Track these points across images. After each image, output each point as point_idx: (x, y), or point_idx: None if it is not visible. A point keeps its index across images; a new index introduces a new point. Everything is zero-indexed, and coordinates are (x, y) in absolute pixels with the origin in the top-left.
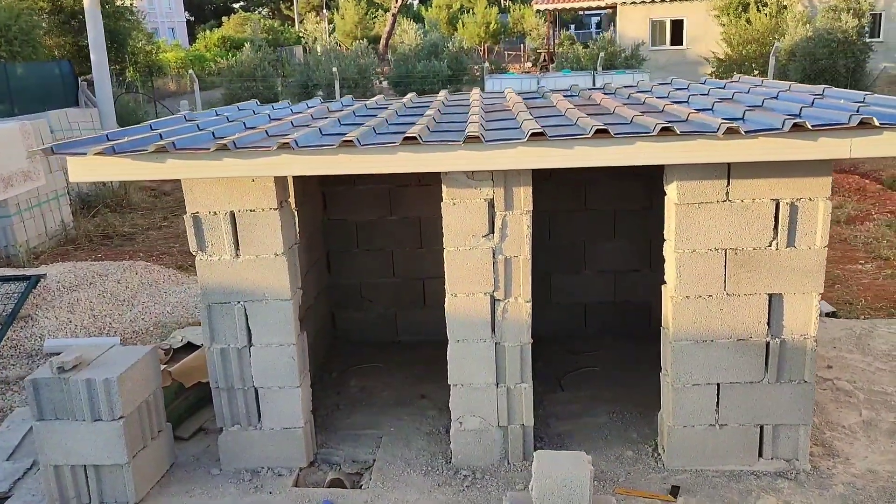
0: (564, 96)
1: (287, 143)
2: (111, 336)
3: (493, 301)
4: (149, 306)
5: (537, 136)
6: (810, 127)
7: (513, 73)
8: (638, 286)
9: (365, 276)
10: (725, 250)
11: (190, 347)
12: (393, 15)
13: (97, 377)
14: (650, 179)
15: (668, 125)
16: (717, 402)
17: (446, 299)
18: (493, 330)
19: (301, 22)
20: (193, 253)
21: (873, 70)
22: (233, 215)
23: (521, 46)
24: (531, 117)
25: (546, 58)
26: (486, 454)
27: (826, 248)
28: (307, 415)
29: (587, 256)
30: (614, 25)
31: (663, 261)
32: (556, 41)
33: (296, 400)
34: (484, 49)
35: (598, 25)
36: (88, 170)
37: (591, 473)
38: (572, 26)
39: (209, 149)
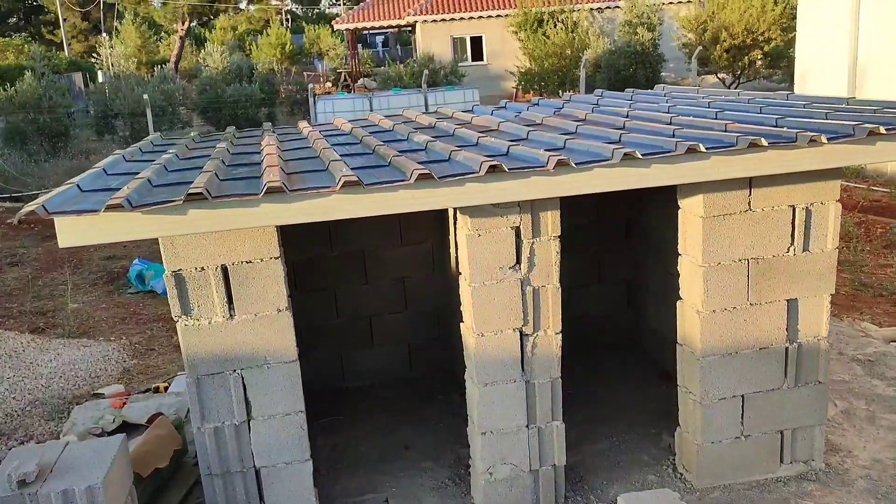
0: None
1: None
2: None
3: (522, 336)
4: (17, 382)
5: (563, 163)
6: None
7: (342, 93)
8: (588, 300)
9: (305, 318)
10: (748, 260)
11: (125, 427)
12: (181, 38)
13: (75, 486)
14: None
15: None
16: (742, 414)
17: (471, 340)
18: (523, 368)
19: (69, 46)
20: (176, 318)
21: (665, 79)
22: (224, 269)
23: (319, 67)
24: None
25: (347, 77)
26: (518, 502)
27: (836, 250)
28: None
29: None
30: (414, 43)
31: (612, 274)
32: (358, 60)
33: (306, 476)
34: (280, 71)
35: (384, 44)
36: (85, 232)
37: None
38: (359, 45)
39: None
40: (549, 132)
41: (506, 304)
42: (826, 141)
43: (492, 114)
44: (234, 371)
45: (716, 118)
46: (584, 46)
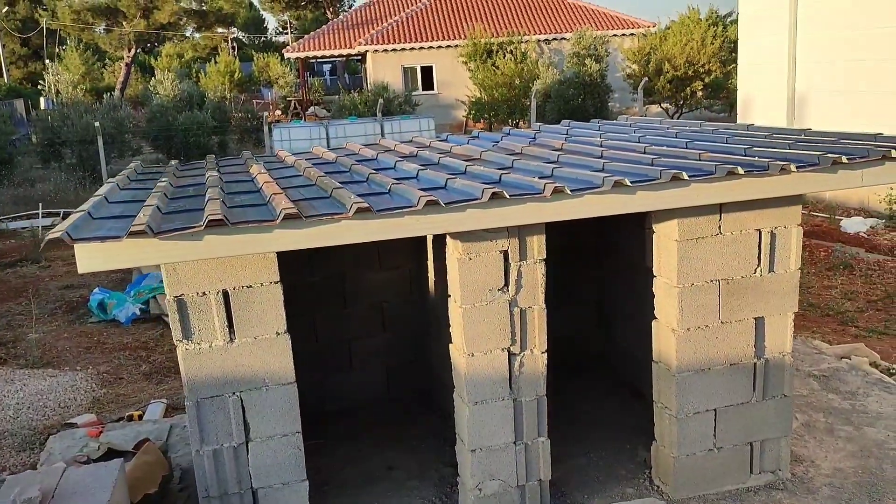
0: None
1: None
2: None
3: (510, 356)
4: None
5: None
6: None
7: (298, 121)
8: (559, 322)
9: None
10: (719, 281)
11: (111, 454)
12: (127, 65)
13: None
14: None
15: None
16: (715, 427)
17: (461, 360)
18: (511, 386)
19: (8, 72)
20: (177, 342)
21: (612, 108)
22: (226, 294)
23: (267, 95)
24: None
25: (297, 106)
26: None
27: (798, 271)
28: None
29: None
30: (365, 72)
31: (582, 296)
32: (308, 88)
33: (302, 496)
34: (230, 99)
35: (332, 72)
36: (105, 257)
37: None
38: (307, 73)
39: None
40: (532, 161)
41: (495, 324)
42: (795, 169)
43: (468, 143)
44: (234, 393)
45: (686, 147)
46: (533, 77)
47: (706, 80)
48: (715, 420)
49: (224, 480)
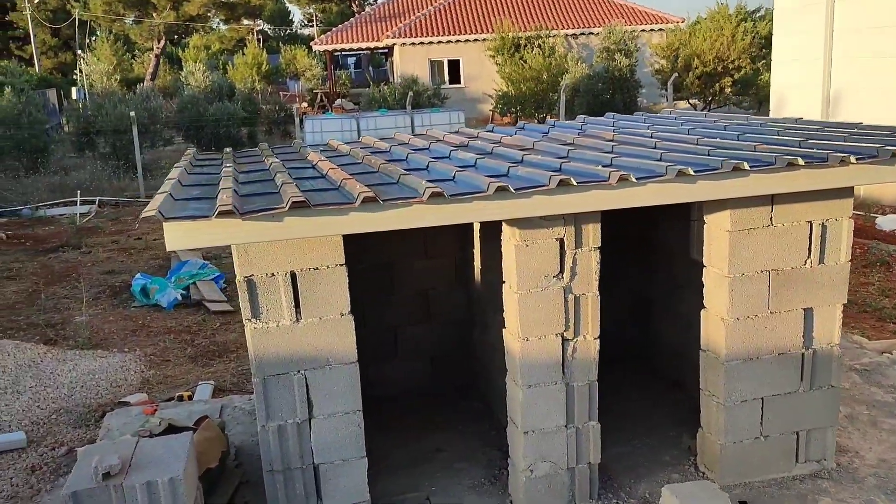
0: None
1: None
2: (11, 432)
3: (564, 341)
4: (39, 391)
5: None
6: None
7: (330, 113)
8: None
9: None
10: (769, 271)
11: (172, 430)
12: (156, 56)
13: (158, 478)
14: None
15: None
16: (762, 416)
17: (516, 345)
18: (564, 371)
19: (39, 62)
20: (245, 321)
21: (640, 104)
22: (293, 275)
23: (295, 87)
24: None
25: (323, 98)
26: (556, 499)
27: (849, 263)
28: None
29: None
30: (391, 65)
31: (620, 288)
32: (336, 81)
33: (361, 473)
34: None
35: (357, 65)
36: (192, 236)
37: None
38: (333, 66)
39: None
40: (588, 151)
41: (549, 310)
42: (854, 161)
43: (516, 133)
44: (299, 372)
45: (738, 139)
46: (561, 71)
47: (735, 76)
48: (762, 409)
49: (287, 455)
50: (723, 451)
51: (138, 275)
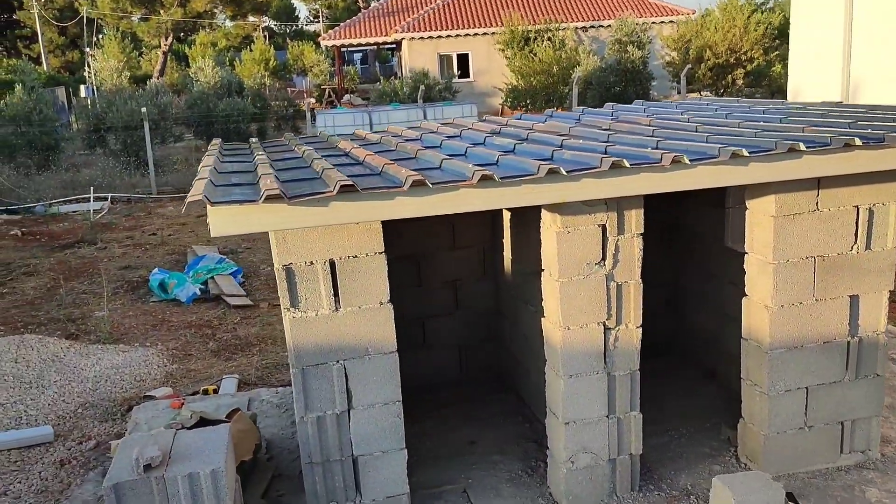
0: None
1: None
2: (38, 426)
3: (606, 330)
4: (64, 385)
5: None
6: None
7: (342, 108)
8: None
9: None
10: (814, 257)
11: (203, 423)
12: (164, 53)
13: (199, 469)
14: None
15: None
16: (806, 406)
17: (557, 334)
18: (605, 360)
19: (47, 60)
20: (284, 311)
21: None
22: (332, 263)
23: (303, 83)
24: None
25: (331, 94)
26: (597, 490)
27: (895, 249)
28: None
29: None
30: (400, 60)
31: (652, 277)
32: (344, 77)
33: (401, 464)
34: (268, 86)
35: (363, 61)
36: (238, 221)
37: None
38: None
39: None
40: (628, 135)
41: (591, 298)
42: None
43: (546, 121)
44: (338, 362)
45: (782, 122)
46: (572, 64)
47: (748, 67)
48: (806, 398)
49: (326, 447)
50: (766, 442)
51: (156, 270)
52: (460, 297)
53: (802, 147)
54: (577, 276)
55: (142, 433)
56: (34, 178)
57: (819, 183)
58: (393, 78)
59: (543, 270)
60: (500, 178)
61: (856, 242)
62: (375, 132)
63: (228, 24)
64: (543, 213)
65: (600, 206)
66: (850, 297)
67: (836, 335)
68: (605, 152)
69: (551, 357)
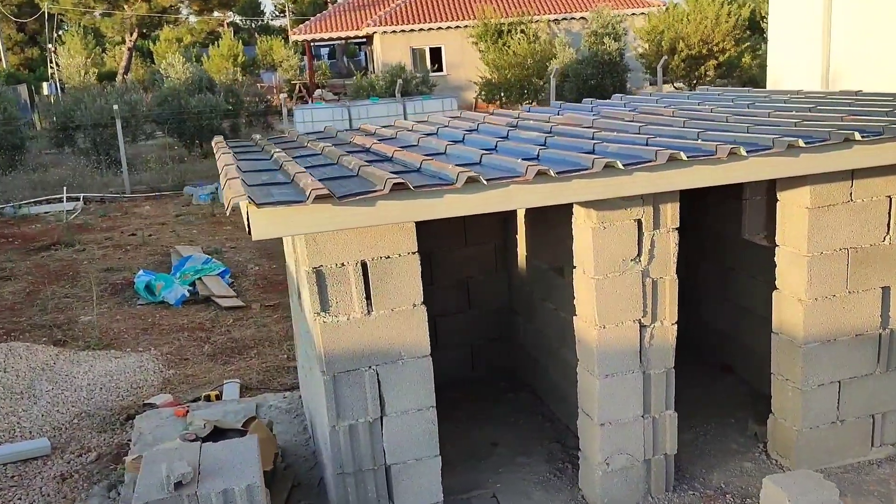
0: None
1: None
2: (33, 438)
3: (641, 328)
4: (57, 395)
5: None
6: None
7: (320, 103)
8: None
9: None
10: (848, 249)
11: (217, 432)
12: (129, 49)
13: (234, 485)
14: None
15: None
16: (838, 400)
17: (592, 333)
18: (641, 359)
19: (5, 58)
20: (314, 315)
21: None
22: (364, 265)
23: (272, 78)
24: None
25: (301, 89)
26: (632, 492)
27: None
28: None
29: None
30: (371, 54)
31: None
32: (316, 72)
33: (435, 472)
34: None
35: (331, 56)
36: (283, 223)
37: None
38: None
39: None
40: (663, 127)
41: (627, 295)
42: None
43: (559, 114)
44: (370, 367)
45: (811, 112)
46: (547, 57)
47: (720, 58)
48: (839, 392)
49: (359, 457)
50: (798, 438)
51: (140, 272)
52: (472, 295)
53: (858, 136)
54: (613, 273)
55: (165, 447)
56: (1, 178)
57: (853, 174)
58: (365, 72)
59: (575, 267)
60: (557, 174)
61: (888, 233)
62: (384, 127)
63: (192, 19)
64: (576, 208)
65: (636, 201)
66: (881, 288)
67: (868, 327)
68: (647, 144)
69: (585, 356)
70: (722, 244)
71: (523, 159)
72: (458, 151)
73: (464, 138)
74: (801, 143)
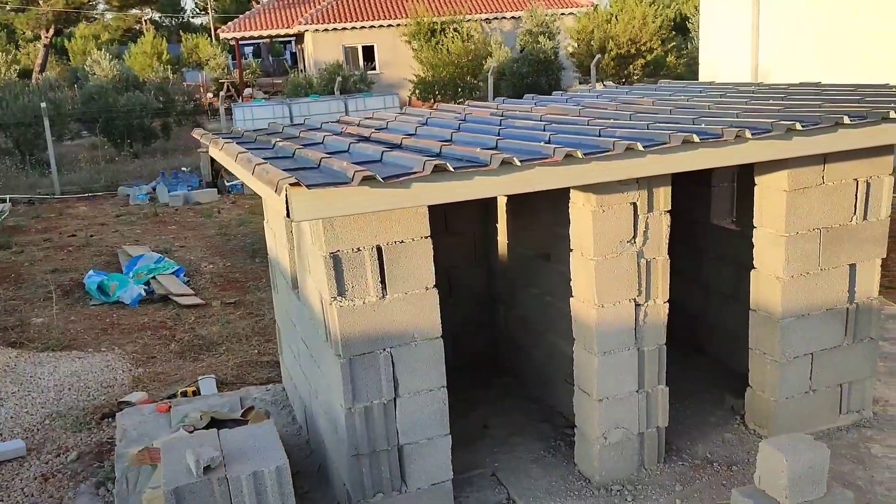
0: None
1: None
2: (4, 441)
3: (636, 306)
4: (24, 397)
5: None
6: None
7: (260, 100)
8: None
9: None
10: (820, 230)
11: (215, 423)
12: (45, 46)
13: (264, 467)
14: None
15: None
16: (811, 370)
17: (591, 313)
18: (636, 336)
19: None
20: (331, 300)
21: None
22: (379, 249)
23: (198, 77)
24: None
25: (230, 88)
26: (627, 464)
27: (888, 219)
28: None
29: None
30: (301, 53)
31: None
32: (246, 70)
33: (445, 450)
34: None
35: (255, 54)
36: (324, 205)
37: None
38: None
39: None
40: (656, 114)
41: (623, 276)
42: None
43: (536, 104)
44: (384, 350)
45: (786, 100)
46: (481, 55)
47: (647, 58)
48: (811, 364)
49: (374, 437)
50: (777, 408)
51: (91, 272)
52: (453, 283)
53: (847, 120)
54: (611, 255)
55: (181, 435)
56: None
57: (825, 159)
58: (295, 70)
59: (572, 250)
60: (586, 154)
61: (855, 213)
62: (368, 119)
63: (109, 16)
64: (574, 193)
65: (632, 185)
66: (849, 265)
67: (838, 302)
68: (648, 128)
69: (583, 336)
70: (692, 229)
71: (545, 143)
72: (465, 138)
73: (459, 126)
74: (798, 126)
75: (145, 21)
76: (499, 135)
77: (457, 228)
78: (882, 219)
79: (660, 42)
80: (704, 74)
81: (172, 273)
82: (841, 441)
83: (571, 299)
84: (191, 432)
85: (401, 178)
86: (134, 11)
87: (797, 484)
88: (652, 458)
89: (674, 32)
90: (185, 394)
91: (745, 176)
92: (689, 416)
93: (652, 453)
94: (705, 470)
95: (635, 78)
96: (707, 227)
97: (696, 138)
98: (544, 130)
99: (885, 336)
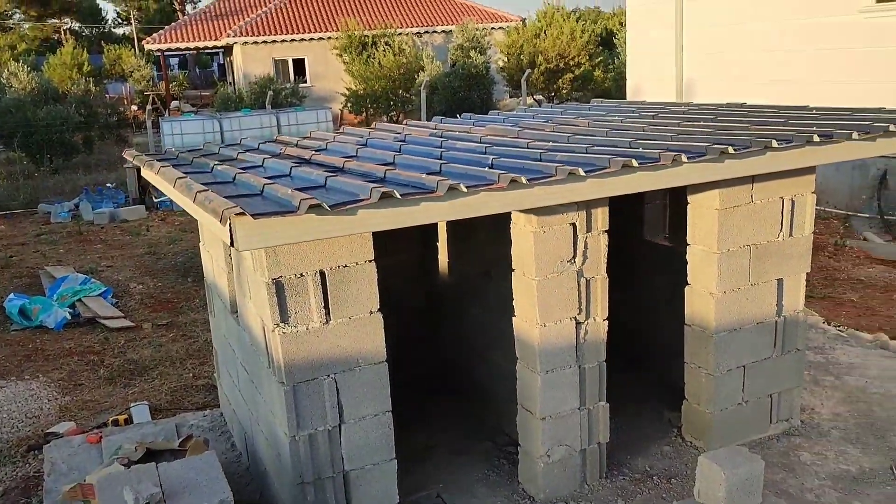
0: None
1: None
2: None
3: (577, 324)
4: None
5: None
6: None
7: (189, 114)
8: None
9: None
10: (750, 246)
11: (150, 455)
12: None
13: (206, 503)
14: None
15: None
16: (744, 382)
17: (534, 331)
18: (577, 354)
19: None
20: (273, 327)
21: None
22: (322, 274)
23: (122, 89)
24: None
25: (156, 100)
26: (570, 481)
27: (812, 235)
28: None
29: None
30: (229, 65)
31: None
32: (172, 83)
33: (391, 475)
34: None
35: (182, 66)
36: (269, 234)
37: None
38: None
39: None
40: (594, 136)
41: (564, 295)
42: (857, 137)
43: (476, 125)
44: (329, 376)
45: (716, 121)
46: (413, 69)
47: (576, 72)
48: (744, 376)
49: (319, 464)
50: (713, 420)
51: (11, 295)
52: (393, 302)
53: (775, 144)
54: (552, 274)
55: (115, 469)
56: None
57: (753, 178)
58: (224, 83)
59: (514, 270)
60: (528, 180)
61: (781, 230)
62: (304, 139)
63: (25, 25)
64: (516, 215)
65: (572, 207)
66: (777, 280)
67: (767, 316)
68: (587, 152)
69: (526, 354)
70: (624, 246)
71: (489, 167)
72: (407, 161)
73: (400, 149)
74: (730, 149)
75: (64, 31)
76: (441, 158)
77: (398, 249)
78: (806, 235)
79: (587, 57)
80: (632, 90)
81: (99, 295)
82: (772, 450)
83: (514, 318)
84: (126, 465)
85: (347, 206)
86: (52, 21)
87: (734, 495)
88: (594, 474)
89: (601, 47)
90: (116, 422)
91: (677, 193)
92: (628, 430)
93: (594, 469)
94: (646, 483)
95: (564, 92)
96: (642, 243)
97: (635, 163)
98: (486, 154)
99: (808, 345)
